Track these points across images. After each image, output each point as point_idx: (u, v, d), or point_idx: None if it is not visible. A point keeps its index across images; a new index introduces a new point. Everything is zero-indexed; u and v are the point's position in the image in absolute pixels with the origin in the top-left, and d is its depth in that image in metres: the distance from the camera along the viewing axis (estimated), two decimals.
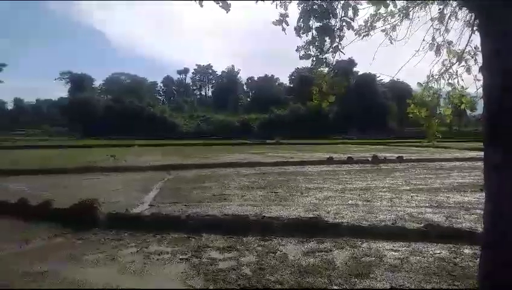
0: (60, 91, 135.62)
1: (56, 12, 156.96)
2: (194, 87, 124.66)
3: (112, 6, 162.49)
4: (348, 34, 4.64)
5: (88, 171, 17.25)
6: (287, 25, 4.51)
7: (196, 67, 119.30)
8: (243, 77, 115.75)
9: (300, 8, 4.39)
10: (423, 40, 5.13)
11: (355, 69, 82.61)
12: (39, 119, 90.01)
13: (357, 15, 4.51)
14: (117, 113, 62.97)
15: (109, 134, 53.16)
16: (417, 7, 5.01)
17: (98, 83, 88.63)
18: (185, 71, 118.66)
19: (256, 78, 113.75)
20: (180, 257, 6.00)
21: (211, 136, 58.53)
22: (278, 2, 4.41)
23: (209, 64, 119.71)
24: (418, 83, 5.53)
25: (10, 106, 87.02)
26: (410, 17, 5.04)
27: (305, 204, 9.96)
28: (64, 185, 13.62)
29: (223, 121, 71.93)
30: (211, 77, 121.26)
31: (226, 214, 8.52)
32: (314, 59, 4.59)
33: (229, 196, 11.31)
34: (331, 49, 4.55)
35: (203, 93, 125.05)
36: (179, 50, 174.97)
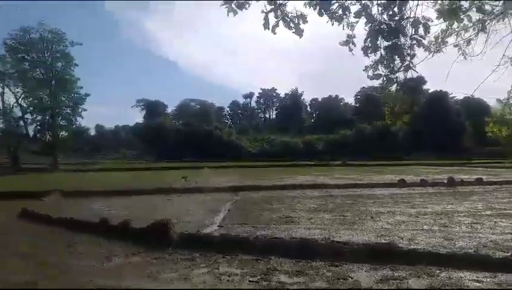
0: (136, 117, 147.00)
1: (132, 42, 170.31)
2: (259, 110, 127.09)
3: (184, 38, 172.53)
4: (418, 51, 4.51)
5: (162, 192, 18.14)
6: (354, 46, 4.50)
7: (261, 91, 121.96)
8: (307, 98, 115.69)
9: (367, 28, 4.36)
10: (503, 55, 4.79)
11: (425, 86, 78.80)
12: (118, 144, 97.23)
13: (429, 32, 4.37)
14: (187, 137, 66.03)
15: (180, 157, 55.72)
16: (494, 20, 4.71)
17: (170, 109, 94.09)
18: (250, 95, 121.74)
19: (320, 99, 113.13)
20: (250, 279, 6.03)
21: (275, 157, 58.87)
22: (345, 23, 4.42)
23: (273, 87, 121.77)
24: (497, 99, 5.16)
25: (92, 132, 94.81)
26: (487, 30, 4.75)
27: (376, 229, 9.56)
28: (140, 205, 14.45)
29: (287, 142, 72.13)
30: (275, 99, 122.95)
31: (294, 237, 8.44)
32: (384, 78, 4.50)
33: (296, 218, 11.21)
34: (402, 68, 4.44)
35: (267, 115, 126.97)
36: (245, 75, 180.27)
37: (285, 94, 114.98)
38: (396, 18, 4.21)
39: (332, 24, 4.28)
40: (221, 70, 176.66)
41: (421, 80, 74.16)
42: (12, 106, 38.25)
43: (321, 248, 7.39)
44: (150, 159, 64.66)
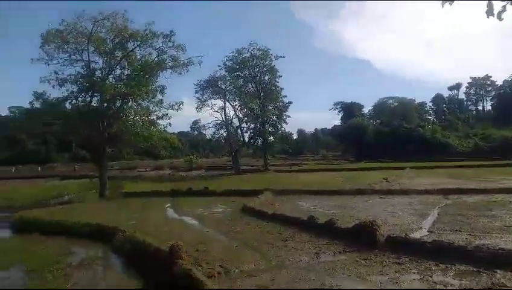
0: (334, 120, 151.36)
1: (324, 49, 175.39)
2: (469, 103, 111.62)
3: (376, 36, 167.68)
4: None
5: (363, 193, 18.05)
6: None
7: (470, 81, 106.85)
8: None
9: None
10: None
11: None
12: (317, 146, 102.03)
13: None
14: (386, 137, 63.64)
15: (379, 157, 54.15)
16: None
17: (366, 109, 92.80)
18: (457, 86, 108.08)
19: None
20: None
21: (491, 155, 50.47)
22: None
23: (487, 74, 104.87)
24: None
25: (295, 136, 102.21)
26: None
27: None
28: (343, 205, 14.76)
29: (508, 137, 60.80)
30: (490, 88, 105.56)
31: None
32: None
33: None
34: None
35: (479, 108, 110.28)
36: (449, 65, 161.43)
37: (504, 81, 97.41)
38: None
39: None
40: (418, 64, 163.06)
41: None
42: (232, 117, 45.00)
43: None
44: (349, 159, 65.23)
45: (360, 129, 67.20)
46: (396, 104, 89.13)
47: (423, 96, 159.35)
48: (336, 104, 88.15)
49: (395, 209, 13.51)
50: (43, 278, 7.36)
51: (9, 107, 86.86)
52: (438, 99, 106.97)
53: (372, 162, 48.74)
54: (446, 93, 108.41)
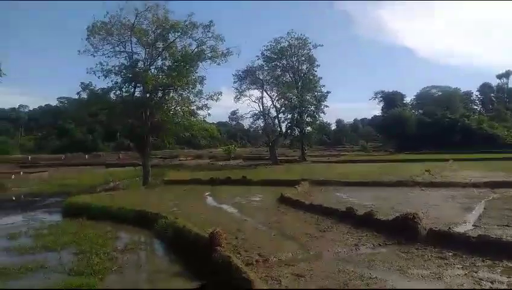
0: (374, 110, 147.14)
1: (364, 37, 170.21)
2: None
3: (421, 25, 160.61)
4: None
5: (404, 185, 17.60)
6: None
7: None
8: None
9: None
10: None
11: None
12: (356, 136, 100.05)
13: None
14: (429, 127, 61.34)
15: (421, 148, 52.39)
16: None
17: (408, 98, 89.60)
18: (507, 74, 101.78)
19: None
20: None
21: None
22: None
23: None
24: None
25: (333, 126, 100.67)
26: None
27: None
28: (383, 197, 14.47)
29: None
30: None
31: None
32: None
33: None
34: None
35: None
36: (498, 53, 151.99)
37: None
38: None
39: None
40: (466, 52, 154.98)
41: None
42: (269, 107, 44.95)
43: None
44: (389, 150, 63.55)
45: (402, 119, 65.09)
46: (440, 93, 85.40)
47: (469, 85, 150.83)
48: (376, 93, 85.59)
49: (437, 202, 13.10)
50: (90, 261, 7.76)
51: (59, 98, 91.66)
52: (485, 88, 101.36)
53: (413, 153, 47.19)
54: (494, 82, 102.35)
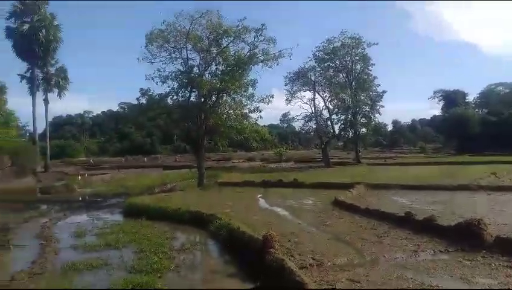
0: (433, 109, 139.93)
1: (422, 35, 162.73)
2: None
3: (484, 19, 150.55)
4: None
5: (467, 189, 16.60)
6: None
7: None
8: None
9: None
10: None
11: None
12: (414, 137, 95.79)
13: None
14: (494, 127, 57.22)
15: (485, 149, 49.04)
16: None
17: (471, 97, 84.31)
18: None
19: None
20: None
21: None
22: None
23: None
24: None
25: (389, 127, 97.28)
26: None
27: None
28: (443, 201, 13.75)
29: None
30: None
31: None
32: None
33: None
34: None
35: None
36: None
37: None
38: None
39: None
40: None
41: None
42: (322, 109, 44.27)
43: None
44: (450, 152, 60.20)
45: (464, 119, 61.36)
46: (506, 90, 79.36)
47: None
48: (435, 92, 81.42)
49: (505, 207, 12.20)
50: (149, 259, 8.12)
51: (120, 103, 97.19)
52: None
53: (476, 155, 44.21)
54: None
